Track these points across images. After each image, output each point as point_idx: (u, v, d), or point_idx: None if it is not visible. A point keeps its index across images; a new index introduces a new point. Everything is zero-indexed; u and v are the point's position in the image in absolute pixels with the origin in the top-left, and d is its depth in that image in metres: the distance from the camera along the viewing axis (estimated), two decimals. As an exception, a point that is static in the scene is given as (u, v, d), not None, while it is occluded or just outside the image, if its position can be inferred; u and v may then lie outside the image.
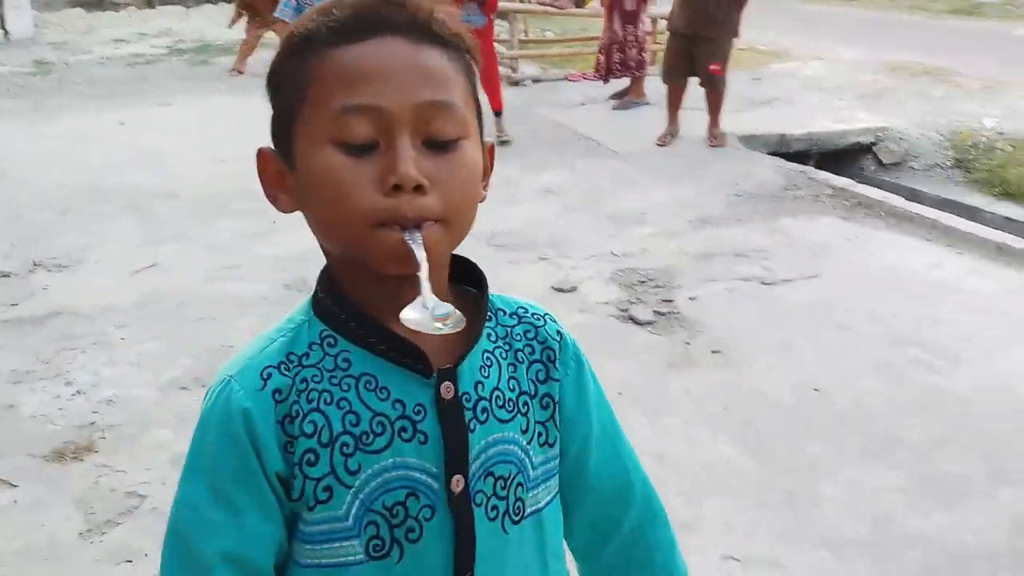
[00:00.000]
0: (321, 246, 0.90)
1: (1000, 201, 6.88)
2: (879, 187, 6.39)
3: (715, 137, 7.08)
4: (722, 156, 6.84)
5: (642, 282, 4.66)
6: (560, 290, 4.55)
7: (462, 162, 0.85)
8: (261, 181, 0.90)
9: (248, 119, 7.97)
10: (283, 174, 0.87)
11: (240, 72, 10.37)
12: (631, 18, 8.20)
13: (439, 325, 0.79)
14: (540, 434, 0.95)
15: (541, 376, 0.97)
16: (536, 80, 10.05)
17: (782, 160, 6.66)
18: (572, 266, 4.88)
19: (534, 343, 0.98)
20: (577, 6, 10.61)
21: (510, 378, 0.94)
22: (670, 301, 4.43)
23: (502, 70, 10.17)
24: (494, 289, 0.98)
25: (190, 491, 0.87)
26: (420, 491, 0.87)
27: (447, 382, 0.88)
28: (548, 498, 0.96)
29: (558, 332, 1.00)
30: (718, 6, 6.76)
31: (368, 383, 0.86)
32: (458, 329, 0.81)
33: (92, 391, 3.56)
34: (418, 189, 0.81)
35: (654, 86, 8.05)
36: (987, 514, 2.86)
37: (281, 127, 0.87)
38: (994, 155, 7.41)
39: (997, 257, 4.99)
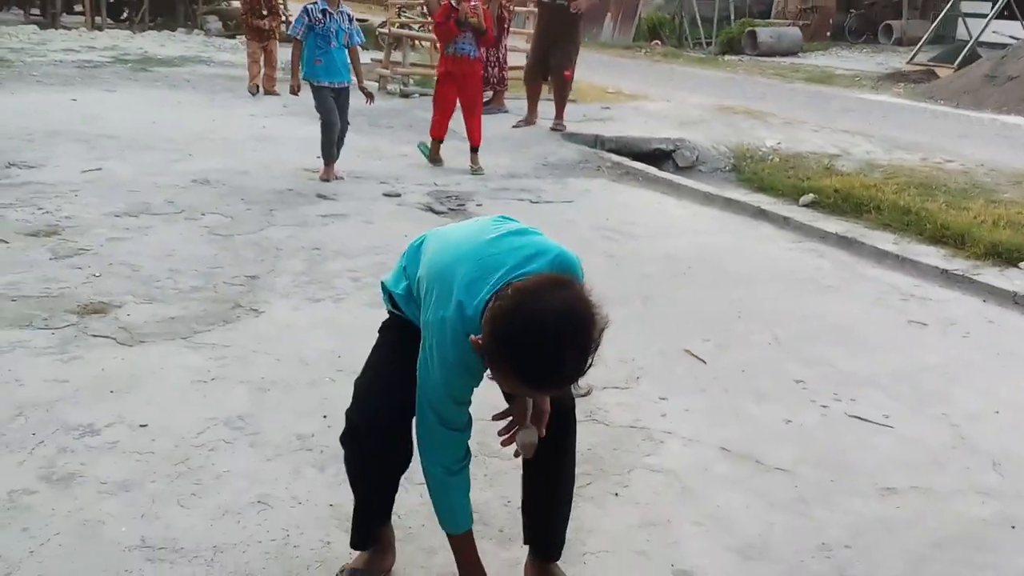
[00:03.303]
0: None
1: (754, 193, 9.06)
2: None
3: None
4: (542, 141, 8.93)
5: (448, 197, 6.66)
6: (388, 195, 6.55)
7: None
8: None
9: (180, 103, 10.18)
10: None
11: (259, 88, 11.48)
12: (492, 43, 10.35)
13: None
14: None
15: None
16: (422, 94, 12.13)
17: (583, 145, 8.77)
18: (403, 187, 6.86)
19: None
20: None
21: None
22: (462, 205, 6.44)
23: (392, 87, 12.30)
24: None
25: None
26: None
27: None
28: None
29: None
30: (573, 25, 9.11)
31: None
32: None
33: (56, 212, 5.43)
34: None
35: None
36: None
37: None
38: (763, 163, 9.63)
39: (705, 201, 7.12)
